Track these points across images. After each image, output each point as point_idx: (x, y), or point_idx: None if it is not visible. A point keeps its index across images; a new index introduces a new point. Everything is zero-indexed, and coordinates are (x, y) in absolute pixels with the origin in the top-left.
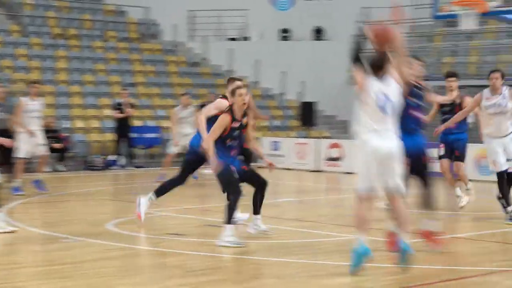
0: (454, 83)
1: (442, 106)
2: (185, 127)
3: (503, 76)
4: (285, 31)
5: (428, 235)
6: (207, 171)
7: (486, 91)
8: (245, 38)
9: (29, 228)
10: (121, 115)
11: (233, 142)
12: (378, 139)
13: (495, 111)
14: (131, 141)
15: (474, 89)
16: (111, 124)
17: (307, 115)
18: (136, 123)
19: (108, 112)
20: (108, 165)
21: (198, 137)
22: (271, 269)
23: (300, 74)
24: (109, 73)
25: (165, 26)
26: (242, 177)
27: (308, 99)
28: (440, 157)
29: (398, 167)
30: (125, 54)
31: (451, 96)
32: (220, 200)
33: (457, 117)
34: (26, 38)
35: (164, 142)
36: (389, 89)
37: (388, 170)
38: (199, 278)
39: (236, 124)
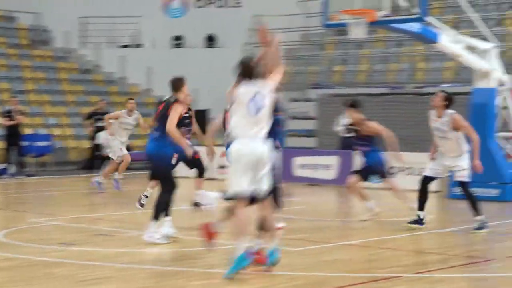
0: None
1: None
2: (124, 135)
3: (446, 98)
4: (177, 38)
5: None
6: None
7: (433, 112)
8: (138, 45)
9: None
10: (11, 123)
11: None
12: (247, 144)
13: (438, 134)
14: (21, 149)
15: (364, 97)
16: (0, 132)
17: (200, 123)
18: (27, 131)
19: None
20: None
21: (154, 144)
22: (163, 278)
23: (193, 82)
24: None
25: (56, 32)
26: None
27: (201, 106)
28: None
29: (267, 172)
30: (15, 61)
31: None
32: (112, 209)
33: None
34: None
35: (55, 150)
36: (259, 94)
37: (257, 175)
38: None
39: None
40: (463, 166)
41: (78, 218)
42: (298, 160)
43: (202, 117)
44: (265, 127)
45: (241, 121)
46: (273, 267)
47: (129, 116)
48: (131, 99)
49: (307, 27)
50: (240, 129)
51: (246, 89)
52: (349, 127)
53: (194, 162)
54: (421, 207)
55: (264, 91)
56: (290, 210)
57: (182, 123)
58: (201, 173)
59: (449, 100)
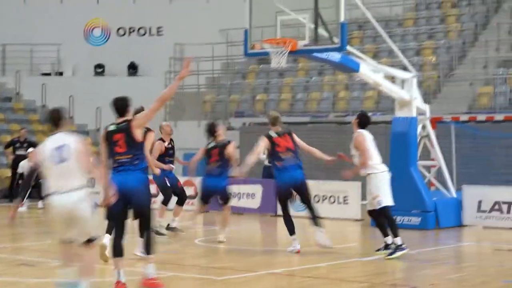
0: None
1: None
2: None
3: (358, 116)
4: (99, 66)
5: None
6: (22, 209)
7: None
8: (59, 73)
9: None
10: None
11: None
12: (56, 197)
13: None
14: None
15: (286, 125)
16: None
17: None
18: None
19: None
20: None
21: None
22: None
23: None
24: None
25: None
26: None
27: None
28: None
29: (81, 220)
30: None
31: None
32: (34, 239)
33: None
34: None
35: None
36: (65, 145)
37: (72, 224)
38: None
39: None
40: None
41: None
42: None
43: None
44: (76, 177)
45: (51, 176)
46: None
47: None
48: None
49: (230, 55)
50: (51, 185)
51: (50, 141)
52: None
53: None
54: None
55: (71, 140)
56: (215, 239)
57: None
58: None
59: (360, 118)
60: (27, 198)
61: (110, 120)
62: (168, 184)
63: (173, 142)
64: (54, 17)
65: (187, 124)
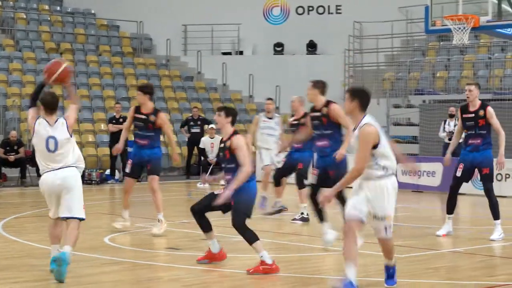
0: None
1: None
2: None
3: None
4: (278, 45)
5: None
6: (201, 186)
7: None
8: (239, 53)
9: (25, 242)
10: (116, 128)
11: None
12: (51, 174)
13: None
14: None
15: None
16: (106, 138)
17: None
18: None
19: (103, 126)
20: (104, 180)
21: None
22: (269, 283)
23: (294, 88)
24: (104, 87)
25: (158, 40)
26: None
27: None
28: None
29: (76, 195)
30: (119, 69)
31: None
32: (217, 214)
33: None
34: (20, 53)
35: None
36: (57, 128)
37: (62, 201)
38: None
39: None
40: None
41: (183, 223)
42: (402, 167)
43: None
44: (69, 156)
45: (42, 156)
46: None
47: (269, 118)
48: (269, 99)
49: (409, 33)
50: (42, 164)
51: (44, 123)
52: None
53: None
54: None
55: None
56: (396, 217)
57: None
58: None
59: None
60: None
61: (288, 98)
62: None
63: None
64: None
65: None
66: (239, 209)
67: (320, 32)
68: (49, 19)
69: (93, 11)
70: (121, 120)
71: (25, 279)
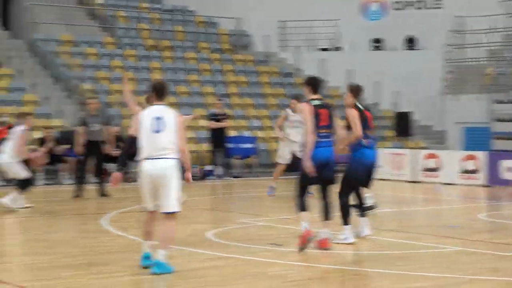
0: None
1: None
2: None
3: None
4: (377, 41)
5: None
6: None
7: None
8: (337, 48)
9: (130, 236)
10: (219, 126)
11: None
12: (148, 163)
13: None
14: (227, 151)
15: None
16: (206, 134)
17: (403, 126)
18: (232, 133)
19: (203, 122)
20: (205, 176)
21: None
22: (371, 280)
23: (393, 84)
24: (203, 84)
25: (256, 37)
26: None
27: (402, 109)
28: None
29: (171, 187)
30: (217, 65)
31: None
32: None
33: None
34: (121, 50)
35: (259, 152)
36: (163, 112)
37: (159, 191)
38: None
39: None
40: None
41: (285, 219)
42: (506, 163)
43: (404, 120)
44: (171, 142)
45: (145, 141)
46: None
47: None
48: (295, 98)
49: (510, 27)
50: (144, 149)
51: (152, 110)
52: None
53: None
54: None
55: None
56: (501, 214)
57: None
58: None
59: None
60: None
61: (388, 94)
62: None
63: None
64: None
65: (468, 97)
66: None
67: (419, 27)
68: (148, 16)
69: (191, 9)
70: (220, 117)
71: (127, 273)
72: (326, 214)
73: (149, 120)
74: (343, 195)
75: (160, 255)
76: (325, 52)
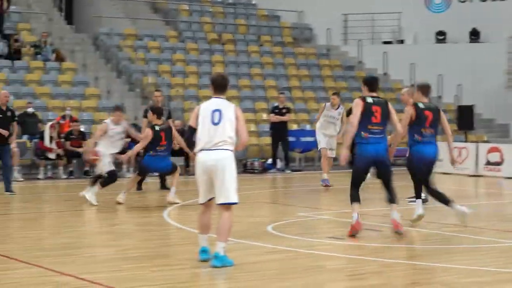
0: None
1: None
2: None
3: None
4: (440, 33)
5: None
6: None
7: None
8: (400, 41)
9: (190, 229)
10: (281, 119)
11: None
12: (204, 153)
13: None
14: (288, 144)
15: None
16: (267, 128)
17: (465, 119)
18: (293, 126)
19: (265, 115)
20: (266, 169)
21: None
22: (432, 275)
23: (457, 77)
24: (265, 77)
25: (318, 30)
26: None
27: (465, 102)
28: None
29: (227, 178)
30: (279, 59)
31: None
32: (378, 204)
33: None
34: (183, 44)
35: None
36: (222, 105)
37: (215, 183)
38: (360, 282)
39: None
40: None
41: (345, 212)
42: None
43: (467, 113)
44: (227, 134)
45: (201, 133)
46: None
47: (334, 109)
48: (335, 93)
49: None
50: (200, 141)
51: (211, 102)
52: None
53: None
54: None
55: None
56: None
57: None
58: None
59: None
60: None
61: (451, 87)
62: None
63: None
64: None
65: None
66: None
67: (483, 19)
68: (210, 10)
69: (253, 2)
70: (284, 110)
71: (187, 266)
72: (390, 199)
73: (207, 112)
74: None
75: (219, 248)
76: (387, 45)
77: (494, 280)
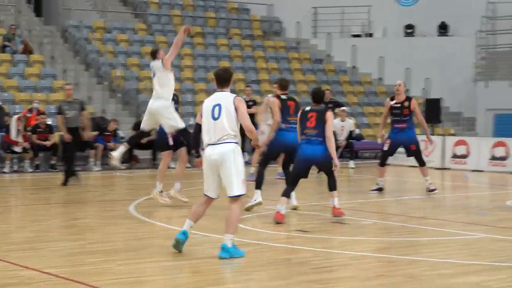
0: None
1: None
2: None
3: None
4: (409, 27)
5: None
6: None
7: None
8: (369, 35)
9: (157, 223)
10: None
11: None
12: (209, 148)
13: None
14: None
15: None
16: None
17: (433, 112)
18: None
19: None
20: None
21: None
22: (397, 267)
23: (425, 71)
24: (234, 70)
25: (288, 23)
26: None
27: (433, 95)
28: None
29: (232, 172)
30: (249, 52)
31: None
32: (345, 198)
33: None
34: (152, 36)
35: None
36: (222, 98)
37: (221, 176)
38: (327, 275)
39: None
40: None
41: (313, 205)
42: None
43: (435, 106)
44: (230, 128)
45: (205, 128)
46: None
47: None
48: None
49: None
50: (204, 136)
51: (212, 97)
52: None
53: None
54: None
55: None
56: None
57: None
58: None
59: None
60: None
61: (419, 81)
62: None
63: None
64: None
65: (499, 84)
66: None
67: (452, 13)
68: (180, 3)
69: None
70: (250, 103)
71: (154, 259)
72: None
73: (209, 107)
74: (261, 166)
75: (227, 240)
76: (357, 39)
77: (458, 272)
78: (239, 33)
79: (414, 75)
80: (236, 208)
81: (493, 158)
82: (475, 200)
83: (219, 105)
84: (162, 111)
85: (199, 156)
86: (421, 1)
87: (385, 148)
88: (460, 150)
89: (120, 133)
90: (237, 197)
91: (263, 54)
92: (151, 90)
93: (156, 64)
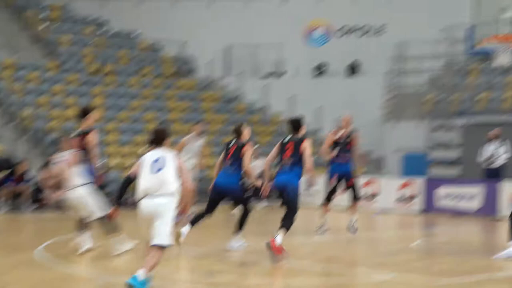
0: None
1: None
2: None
3: None
4: (319, 67)
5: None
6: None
7: None
8: (280, 74)
9: (64, 269)
10: None
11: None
12: (145, 200)
13: None
14: None
15: (510, 125)
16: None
17: None
18: None
19: (144, 149)
20: None
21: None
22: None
23: (335, 110)
24: (145, 109)
25: (200, 61)
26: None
27: None
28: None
29: (161, 223)
30: (161, 90)
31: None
32: (252, 239)
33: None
34: (63, 75)
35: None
36: (161, 154)
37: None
38: None
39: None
40: None
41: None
42: (442, 190)
43: None
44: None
45: (144, 180)
46: None
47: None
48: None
49: (451, 54)
50: (141, 189)
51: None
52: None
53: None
54: None
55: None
56: (435, 241)
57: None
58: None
59: None
60: None
61: (330, 120)
62: None
63: None
64: (275, 17)
65: (407, 124)
66: None
67: (362, 53)
68: (92, 41)
69: (136, 33)
70: None
71: None
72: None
73: (148, 162)
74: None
75: (140, 272)
76: (268, 79)
77: None
78: (151, 71)
79: (325, 115)
80: (157, 256)
81: (401, 198)
82: (384, 240)
83: (158, 160)
84: None
85: (119, 205)
86: (331, 41)
87: (334, 183)
88: (369, 189)
89: (30, 174)
90: (162, 246)
91: (175, 93)
92: (60, 130)
93: None
